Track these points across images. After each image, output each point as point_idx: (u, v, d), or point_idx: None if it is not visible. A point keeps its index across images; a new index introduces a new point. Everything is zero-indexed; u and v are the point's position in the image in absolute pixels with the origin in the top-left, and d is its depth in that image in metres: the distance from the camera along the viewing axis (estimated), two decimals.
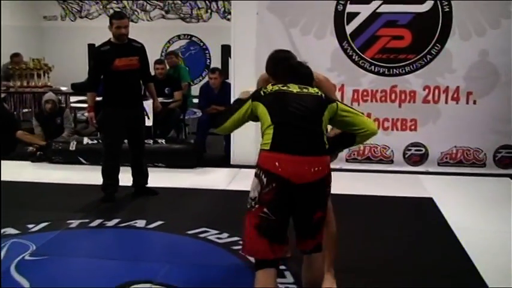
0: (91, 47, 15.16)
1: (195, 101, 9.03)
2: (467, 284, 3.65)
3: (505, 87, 6.65)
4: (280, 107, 2.85)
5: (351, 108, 3.08)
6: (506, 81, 6.64)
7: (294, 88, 2.91)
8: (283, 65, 3.20)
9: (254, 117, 2.95)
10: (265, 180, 2.70)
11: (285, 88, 2.92)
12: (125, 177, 5.57)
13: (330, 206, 3.17)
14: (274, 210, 2.71)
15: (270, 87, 2.96)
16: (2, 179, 4.96)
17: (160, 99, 7.62)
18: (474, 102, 6.71)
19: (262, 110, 2.88)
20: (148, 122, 7.36)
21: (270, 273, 2.76)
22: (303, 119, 2.81)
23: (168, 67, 8.67)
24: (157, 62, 8.34)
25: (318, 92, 2.95)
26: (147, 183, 5.76)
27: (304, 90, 2.92)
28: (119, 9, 14.96)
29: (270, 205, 2.70)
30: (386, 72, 6.78)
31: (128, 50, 5.49)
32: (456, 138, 6.78)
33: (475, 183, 6.35)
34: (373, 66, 6.80)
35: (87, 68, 11.66)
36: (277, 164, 2.69)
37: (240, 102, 3.05)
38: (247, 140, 6.86)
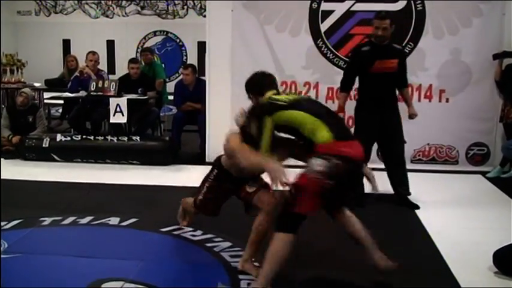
0: (66, 42, 15.07)
1: (171, 97, 9.00)
2: (439, 282, 3.70)
3: (476, 86, 6.76)
4: (315, 108, 3.45)
5: None
6: (478, 80, 6.74)
7: (293, 95, 3.88)
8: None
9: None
10: (336, 161, 3.19)
11: (294, 96, 3.74)
12: (98, 174, 5.53)
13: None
14: (337, 181, 3.24)
15: (280, 97, 3.53)
16: None
17: (134, 97, 7.64)
18: (447, 100, 6.80)
19: (294, 114, 3.36)
20: (123, 119, 7.36)
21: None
22: (335, 113, 3.68)
23: (143, 64, 8.63)
24: (132, 61, 8.29)
25: None
26: (409, 194, 5.45)
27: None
28: (94, 4, 14.86)
29: (335, 178, 3.22)
30: None
31: (387, 52, 5.30)
32: (429, 136, 6.85)
33: (448, 180, 6.43)
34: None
35: (62, 63, 11.64)
36: (345, 149, 3.26)
37: (254, 124, 3.45)
38: (223, 137, 6.87)
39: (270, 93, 3.61)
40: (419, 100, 6.78)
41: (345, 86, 5.51)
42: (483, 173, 6.64)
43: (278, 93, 3.68)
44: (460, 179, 6.52)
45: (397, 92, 5.54)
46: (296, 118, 3.35)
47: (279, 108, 3.40)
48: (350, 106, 5.62)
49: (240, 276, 3.62)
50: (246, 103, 7.00)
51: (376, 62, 5.20)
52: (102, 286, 3.45)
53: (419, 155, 6.92)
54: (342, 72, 6.77)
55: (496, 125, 6.80)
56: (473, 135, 6.86)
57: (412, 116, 5.53)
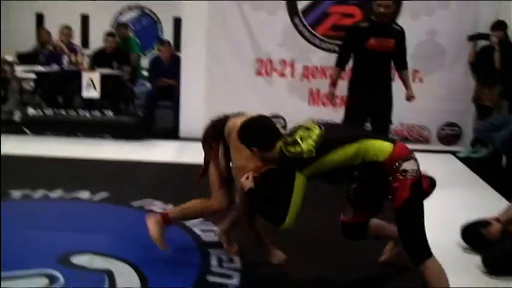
0: (39, 17, 14.80)
1: (145, 73, 8.93)
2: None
3: (451, 67, 6.83)
4: (346, 132, 3.11)
5: None
6: (453, 61, 6.82)
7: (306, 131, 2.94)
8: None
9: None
10: (414, 156, 3.15)
11: (307, 132, 2.92)
12: (70, 148, 5.46)
13: None
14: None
15: (301, 147, 2.83)
16: None
17: (108, 71, 7.55)
18: (420, 80, 6.85)
19: (333, 158, 2.86)
20: (95, 94, 7.28)
21: None
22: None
23: (118, 39, 8.53)
24: (109, 34, 8.23)
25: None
26: None
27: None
28: None
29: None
30: (336, 50, 6.81)
31: (385, 31, 5.16)
32: (402, 115, 6.87)
33: (419, 159, 6.44)
34: (323, 43, 6.84)
35: (35, 37, 11.45)
36: (406, 148, 3.15)
37: (282, 181, 2.91)
38: (196, 112, 6.86)
39: (280, 143, 2.95)
40: (393, 79, 6.80)
41: (339, 62, 5.44)
42: (454, 153, 6.72)
43: (287, 137, 2.96)
44: (432, 158, 6.56)
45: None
46: (337, 160, 2.87)
47: (310, 162, 2.84)
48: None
49: (211, 251, 3.62)
50: (221, 79, 7.00)
51: (371, 38, 5.11)
52: (71, 259, 3.43)
53: (392, 134, 6.95)
54: (318, 50, 6.86)
55: (469, 106, 6.86)
56: (446, 115, 6.95)
57: (409, 98, 5.55)
